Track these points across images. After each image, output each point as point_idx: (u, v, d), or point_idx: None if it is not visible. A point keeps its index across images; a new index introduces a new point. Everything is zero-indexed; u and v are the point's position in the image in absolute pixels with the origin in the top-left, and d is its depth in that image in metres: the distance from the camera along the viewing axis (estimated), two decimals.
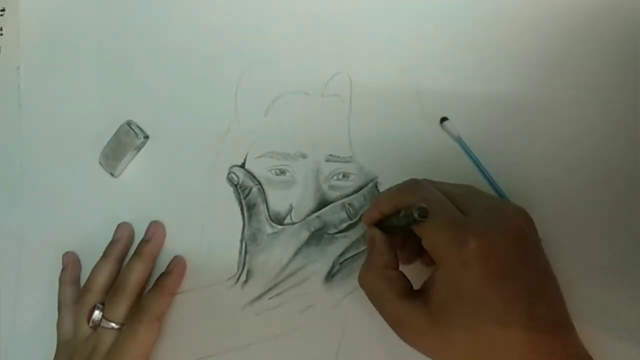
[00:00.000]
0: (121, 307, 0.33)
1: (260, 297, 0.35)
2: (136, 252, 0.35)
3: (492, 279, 0.24)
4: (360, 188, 0.34)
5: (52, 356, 0.34)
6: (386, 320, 0.28)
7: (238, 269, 0.35)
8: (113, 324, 0.32)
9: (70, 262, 0.36)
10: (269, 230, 0.35)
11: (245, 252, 0.35)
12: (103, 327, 0.32)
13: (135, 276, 0.34)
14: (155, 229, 0.35)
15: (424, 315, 0.26)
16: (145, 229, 0.36)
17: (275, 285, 0.34)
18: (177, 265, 0.35)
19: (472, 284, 0.24)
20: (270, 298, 0.34)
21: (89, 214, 0.37)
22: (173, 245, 0.36)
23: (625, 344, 0.29)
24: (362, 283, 0.29)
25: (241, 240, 0.35)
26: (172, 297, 0.34)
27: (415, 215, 0.25)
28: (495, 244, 0.25)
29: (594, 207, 0.31)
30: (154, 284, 0.34)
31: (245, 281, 0.35)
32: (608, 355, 0.29)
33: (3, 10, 0.39)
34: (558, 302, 0.26)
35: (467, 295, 0.24)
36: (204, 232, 0.36)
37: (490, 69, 0.33)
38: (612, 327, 0.30)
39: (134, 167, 0.37)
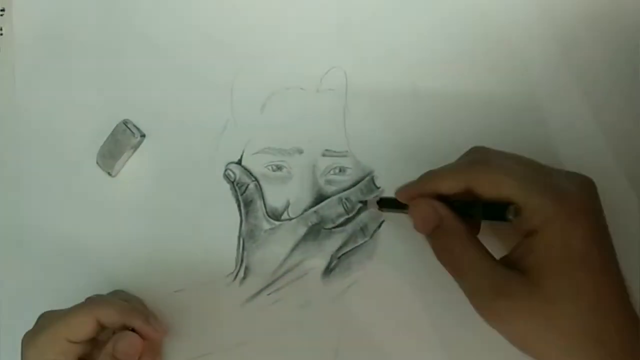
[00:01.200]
0: None
1: (258, 293, 0.34)
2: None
3: (596, 233, 0.24)
4: (357, 182, 0.34)
5: None
6: (478, 295, 0.25)
7: (236, 265, 0.35)
8: None
9: None
10: (266, 226, 0.35)
11: (242, 248, 0.35)
12: None
13: None
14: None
15: (524, 284, 0.24)
16: (145, 228, 0.36)
17: (274, 281, 0.34)
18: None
19: (579, 239, 0.23)
20: (268, 294, 0.34)
21: (87, 213, 0.37)
22: (170, 243, 0.36)
23: None
24: (444, 258, 0.27)
25: (239, 237, 0.35)
26: None
27: (510, 216, 0.24)
28: (593, 200, 0.25)
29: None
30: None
31: (244, 278, 0.35)
32: None
33: (3, 10, 0.39)
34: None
35: (575, 253, 0.23)
36: (201, 230, 0.36)
37: (489, 70, 0.33)
38: None
39: (131, 166, 0.37)
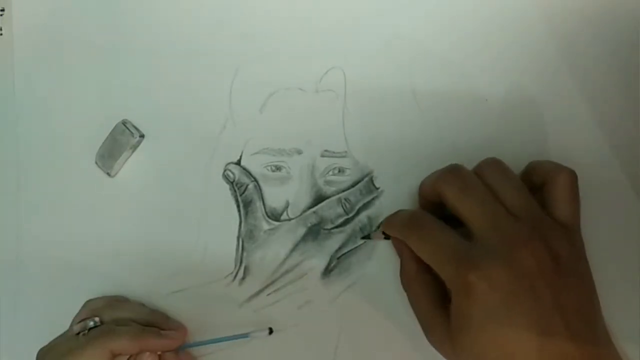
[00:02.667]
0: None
1: (258, 293, 0.35)
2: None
3: (496, 313, 0.24)
4: (356, 183, 0.34)
5: None
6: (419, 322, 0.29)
7: (235, 266, 0.35)
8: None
9: None
10: (265, 226, 0.35)
11: (242, 249, 0.35)
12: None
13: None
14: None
15: (447, 326, 0.26)
16: (143, 229, 0.36)
17: (273, 282, 0.34)
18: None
19: (477, 315, 0.24)
20: (268, 294, 0.34)
21: (86, 214, 0.37)
22: (170, 244, 0.36)
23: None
24: (403, 287, 0.30)
25: (238, 237, 0.35)
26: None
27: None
28: (497, 278, 0.24)
29: (594, 209, 0.31)
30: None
31: (243, 278, 0.35)
32: None
33: (2, 10, 0.39)
34: (590, 322, 0.25)
35: (475, 326, 0.24)
36: (200, 230, 0.36)
37: (487, 70, 0.33)
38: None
39: (130, 167, 0.37)
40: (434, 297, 0.28)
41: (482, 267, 0.24)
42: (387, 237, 0.32)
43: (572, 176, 0.27)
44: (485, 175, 0.27)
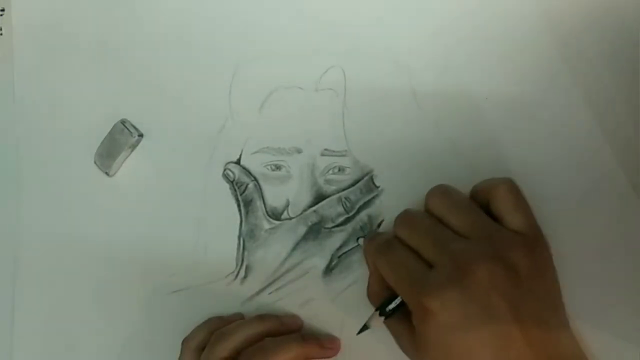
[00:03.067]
0: None
1: (259, 292, 0.35)
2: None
3: (452, 334, 0.25)
4: (356, 181, 0.34)
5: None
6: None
7: (236, 265, 0.35)
8: None
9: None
10: (266, 225, 0.35)
11: (243, 248, 0.35)
12: None
13: None
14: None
15: (413, 339, 0.28)
16: (143, 228, 0.36)
17: (275, 281, 0.35)
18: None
19: (433, 338, 0.26)
20: (269, 293, 0.35)
21: (85, 213, 0.37)
22: (170, 243, 0.36)
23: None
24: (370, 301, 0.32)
25: (239, 237, 0.35)
26: None
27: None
28: (451, 302, 0.25)
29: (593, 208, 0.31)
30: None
31: (244, 277, 0.35)
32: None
33: (2, 10, 0.39)
34: (551, 327, 0.26)
35: (432, 348, 0.26)
36: (200, 230, 0.36)
37: (487, 69, 0.33)
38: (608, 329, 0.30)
39: (129, 166, 0.37)
40: (398, 314, 0.29)
41: (436, 292, 0.25)
42: (381, 314, 0.31)
43: (509, 186, 0.28)
44: (431, 207, 0.29)
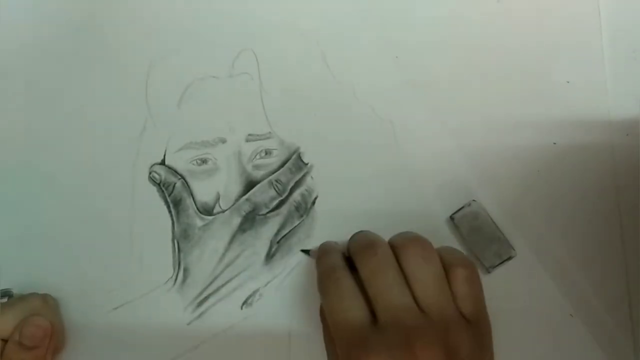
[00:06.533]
0: None
1: (201, 293, 0.33)
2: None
3: None
4: (285, 162, 0.33)
5: None
6: None
7: (174, 269, 0.33)
8: None
9: None
10: (199, 223, 0.33)
11: (178, 250, 0.33)
12: None
13: None
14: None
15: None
16: (73, 247, 0.34)
17: (216, 278, 0.33)
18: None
19: None
20: (212, 292, 0.33)
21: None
22: (103, 258, 0.34)
23: None
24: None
25: (172, 239, 0.34)
26: None
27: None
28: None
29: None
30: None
31: (184, 281, 0.33)
32: None
33: None
34: None
35: None
36: (133, 239, 0.34)
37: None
38: None
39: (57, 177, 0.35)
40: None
41: (373, 355, 0.23)
42: None
43: (467, 271, 0.26)
44: (404, 258, 0.26)
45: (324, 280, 0.27)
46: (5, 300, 0.32)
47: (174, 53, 0.35)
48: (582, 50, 0.32)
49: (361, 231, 0.29)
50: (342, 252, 0.29)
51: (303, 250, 0.32)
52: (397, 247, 0.27)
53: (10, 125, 0.36)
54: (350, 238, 0.29)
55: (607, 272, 0.31)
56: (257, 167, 0.33)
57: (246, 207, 0.33)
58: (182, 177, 0.34)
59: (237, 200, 0.33)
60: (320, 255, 0.29)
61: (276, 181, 0.33)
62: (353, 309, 0.25)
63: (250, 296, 0.33)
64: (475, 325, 0.26)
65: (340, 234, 0.32)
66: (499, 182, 0.32)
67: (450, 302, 0.26)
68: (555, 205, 0.31)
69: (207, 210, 0.33)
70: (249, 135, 0.34)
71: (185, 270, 0.33)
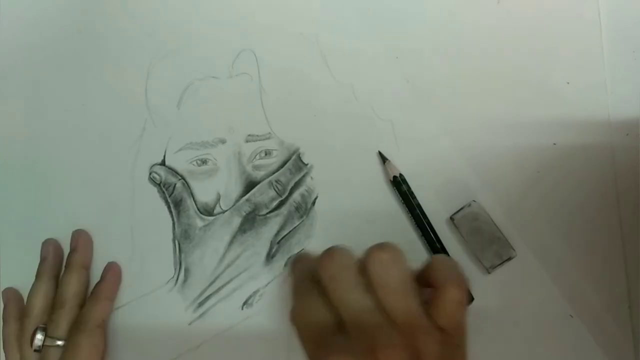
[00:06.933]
0: (62, 322, 0.32)
1: (202, 293, 0.33)
2: (67, 265, 0.34)
3: None
4: (285, 162, 0.33)
5: None
6: None
7: (175, 269, 0.33)
8: (58, 342, 0.31)
9: (12, 298, 0.34)
10: (199, 223, 0.33)
11: (179, 250, 0.34)
12: (48, 346, 0.31)
13: (70, 289, 0.32)
14: (79, 237, 0.34)
15: None
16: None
17: (216, 279, 0.33)
18: (110, 270, 0.34)
19: None
20: (213, 293, 0.33)
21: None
22: (105, 257, 0.34)
23: None
24: None
25: (173, 240, 0.34)
26: (112, 303, 0.33)
27: None
28: None
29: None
30: (91, 293, 0.33)
31: (185, 281, 0.33)
32: None
33: None
34: None
35: None
36: (134, 240, 0.34)
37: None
38: None
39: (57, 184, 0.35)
40: None
41: (334, 355, 0.23)
42: None
43: (458, 294, 0.25)
44: (369, 264, 0.26)
45: (293, 284, 0.27)
46: None
47: (173, 54, 0.35)
48: (582, 52, 0.32)
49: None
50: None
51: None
52: (365, 255, 0.26)
53: (10, 126, 0.36)
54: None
55: (607, 272, 0.31)
56: (257, 167, 0.33)
57: (246, 208, 0.33)
58: (183, 178, 0.34)
59: (237, 200, 0.33)
60: (295, 262, 0.29)
61: (276, 182, 0.33)
62: (317, 312, 0.25)
63: (250, 296, 0.33)
64: (449, 335, 0.25)
65: (340, 234, 0.32)
66: (499, 182, 0.31)
67: (416, 306, 0.25)
68: (555, 205, 0.31)
69: (207, 211, 0.33)
70: (249, 135, 0.34)
71: (186, 270, 0.33)
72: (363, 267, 0.25)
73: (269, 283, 0.33)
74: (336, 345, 0.24)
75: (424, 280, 0.26)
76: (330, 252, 0.26)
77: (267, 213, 0.33)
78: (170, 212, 0.34)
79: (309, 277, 0.27)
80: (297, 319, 0.25)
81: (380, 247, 0.26)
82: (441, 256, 0.28)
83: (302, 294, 0.26)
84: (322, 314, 0.25)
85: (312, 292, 0.26)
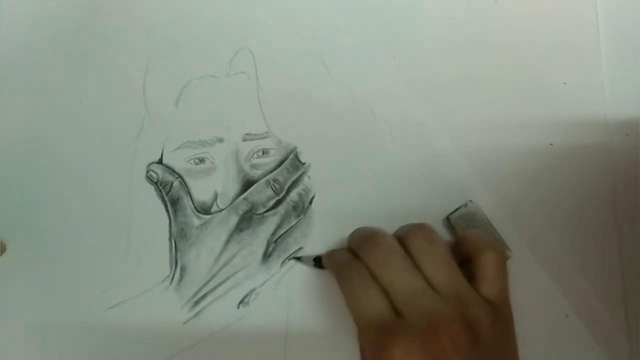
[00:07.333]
0: None
1: (198, 292, 0.33)
2: None
3: None
4: (282, 162, 0.33)
5: None
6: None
7: (171, 268, 0.33)
8: None
9: None
10: (196, 222, 0.33)
11: (175, 249, 0.33)
12: None
13: None
14: None
15: None
16: (70, 244, 0.34)
17: (212, 277, 0.33)
18: None
19: None
20: (209, 291, 0.33)
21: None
22: (100, 257, 0.34)
23: None
24: None
25: (169, 238, 0.34)
26: None
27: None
28: (413, 355, 0.24)
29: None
30: None
31: (180, 280, 0.33)
32: None
33: None
34: None
35: None
36: (130, 238, 0.34)
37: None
38: None
39: (52, 180, 0.35)
40: None
41: (400, 341, 0.24)
42: (316, 265, 0.31)
43: (498, 256, 0.27)
44: (410, 244, 0.27)
45: (343, 273, 0.27)
46: None
47: (171, 52, 0.35)
48: (579, 52, 0.32)
49: (359, 228, 0.29)
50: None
51: (295, 258, 0.32)
52: (402, 237, 0.27)
53: (7, 124, 0.36)
54: (350, 236, 0.29)
55: (604, 272, 0.31)
56: (254, 166, 0.33)
57: (243, 207, 0.33)
58: (180, 176, 0.34)
59: (234, 199, 0.33)
60: (329, 255, 0.30)
61: (273, 180, 0.33)
62: (377, 300, 0.26)
63: (247, 295, 0.33)
64: (497, 308, 0.26)
65: (337, 234, 0.32)
66: (495, 182, 0.32)
67: (462, 279, 0.26)
68: (552, 206, 0.31)
69: (204, 210, 0.33)
70: (246, 134, 0.34)
71: (182, 269, 0.33)
72: (404, 247, 0.26)
73: (265, 282, 0.33)
74: (400, 330, 0.24)
75: (457, 259, 0.27)
76: (374, 238, 0.27)
77: (264, 212, 0.33)
78: (167, 210, 0.34)
79: (357, 263, 0.27)
80: (357, 305, 0.26)
81: (418, 226, 0.28)
82: (470, 230, 0.29)
83: (357, 279, 0.26)
84: (380, 300, 0.25)
85: (366, 277, 0.26)
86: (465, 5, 0.33)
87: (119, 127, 0.35)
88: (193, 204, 0.34)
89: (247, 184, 0.33)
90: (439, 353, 0.24)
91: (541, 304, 0.31)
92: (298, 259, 0.32)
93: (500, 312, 0.26)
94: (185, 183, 0.34)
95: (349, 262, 0.28)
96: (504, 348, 0.26)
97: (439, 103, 0.33)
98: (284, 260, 0.32)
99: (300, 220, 0.33)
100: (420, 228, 0.27)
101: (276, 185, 0.33)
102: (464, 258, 0.28)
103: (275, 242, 0.33)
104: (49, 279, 0.34)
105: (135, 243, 0.34)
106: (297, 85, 0.33)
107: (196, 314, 0.33)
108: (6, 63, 0.36)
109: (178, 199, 0.34)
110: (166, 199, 0.34)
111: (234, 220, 0.33)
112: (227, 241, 0.33)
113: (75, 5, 0.37)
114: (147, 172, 0.34)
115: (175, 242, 0.33)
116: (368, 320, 0.25)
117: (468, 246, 0.28)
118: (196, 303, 0.33)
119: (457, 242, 0.29)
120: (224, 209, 0.33)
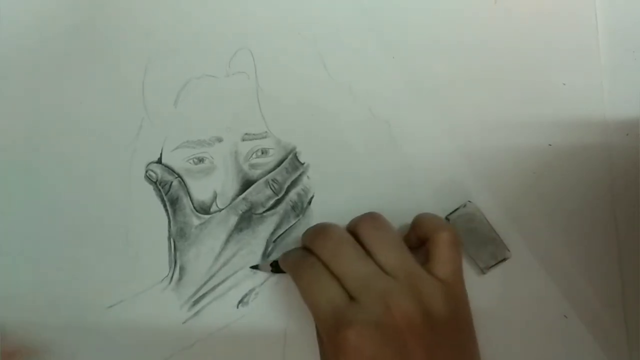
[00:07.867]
0: None
1: (197, 292, 0.33)
2: None
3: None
4: (281, 161, 0.33)
5: None
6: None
7: (170, 268, 0.33)
8: None
9: None
10: (195, 222, 0.33)
11: (174, 249, 0.33)
12: None
13: None
14: None
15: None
16: (69, 243, 0.34)
17: (212, 277, 0.33)
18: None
19: None
20: (208, 291, 0.33)
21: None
22: (99, 256, 0.34)
23: None
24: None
25: (169, 238, 0.34)
26: None
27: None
28: (368, 338, 0.24)
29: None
30: None
31: (179, 279, 0.33)
32: None
33: None
34: None
35: None
36: (129, 237, 0.34)
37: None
38: None
39: (50, 180, 0.35)
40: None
41: (355, 324, 0.24)
42: (274, 270, 0.31)
43: (451, 236, 0.27)
44: (360, 233, 0.28)
45: (296, 267, 0.28)
46: None
47: (171, 52, 0.35)
48: (579, 52, 0.32)
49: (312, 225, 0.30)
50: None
51: (252, 267, 0.32)
52: (352, 227, 0.28)
53: (6, 124, 0.36)
54: (302, 234, 0.30)
55: (603, 272, 0.31)
56: (253, 166, 0.33)
57: (243, 206, 0.33)
58: (179, 176, 0.34)
59: (233, 199, 0.33)
60: (283, 256, 0.30)
61: (272, 180, 0.33)
62: (330, 288, 0.26)
63: (246, 295, 0.33)
64: (450, 286, 0.26)
65: None
66: (494, 183, 0.32)
67: (413, 261, 0.27)
68: (551, 206, 0.31)
69: (203, 209, 0.33)
70: (246, 134, 0.34)
71: (181, 268, 0.33)
72: (355, 237, 0.27)
73: (264, 281, 0.33)
74: (354, 316, 0.25)
75: (413, 242, 0.28)
76: (324, 231, 0.28)
77: (264, 212, 0.33)
78: (166, 210, 0.34)
79: (309, 257, 0.28)
80: (311, 297, 0.26)
81: (367, 215, 0.28)
82: (424, 212, 0.29)
83: (308, 272, 0.27)
84: (334, 289, 0.26)
85: (319, 268, 0.27)
86: (465, 5, 0.33)
87: (118, 126, 0.35)
88: (192, 203, 0.34)
89: (247, 184, 0.33)
90: (394, 333, 0.24)
91: (540, 304, 0.31)
92: (255, 267, 0.32)
93: (453, 290, 0.27)
94: (184, 183, 0.34)
95: (302, 257, 0.28)
96: (458, 326, 0.26)
97: (439, 103, 0.33)
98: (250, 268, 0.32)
99: (299, 220, 0.33)
100: (369, 216, 0.28)
101: (275, 185, 0.33)
102: (421, 241, 0.28)
103: (274, 241, 0.33)
104: (48, 278, 0.34)
105: (135, 242, 0.34)
106: (296, 86, 0.33)
107: (195, 314, 0.33)
108: (6, 63, 0.36)
109: (177, 198, 0.34)
110: (165, 198, 0.34)
111: (233, 220, 0.33)
112: (227, 241, 0.33)
113: (75, 6, 0.37)
114: (147, 171, 0.34)
115: (174, 242, 0.34)
116: (323, 309, 0.26)
117: (422, 228, 0.28)
118: (195, 302, 0.33)
119: (412, 226, 0.29)
120: (223, 209, 0.33)
